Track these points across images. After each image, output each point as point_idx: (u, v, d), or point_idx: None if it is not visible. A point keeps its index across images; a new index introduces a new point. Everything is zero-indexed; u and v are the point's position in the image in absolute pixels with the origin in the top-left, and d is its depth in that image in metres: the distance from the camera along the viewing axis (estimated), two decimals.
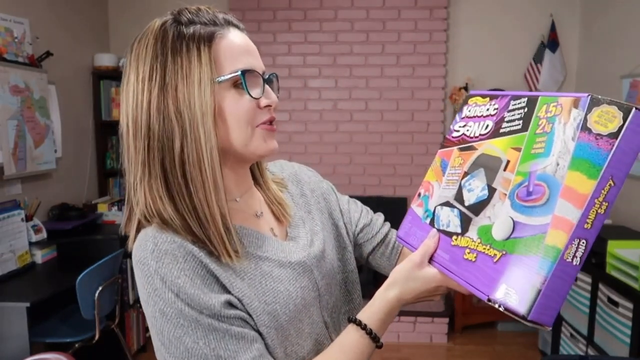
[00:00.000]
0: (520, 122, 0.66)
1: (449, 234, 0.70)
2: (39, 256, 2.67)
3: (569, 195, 0.55)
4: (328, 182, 0.98)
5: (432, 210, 0.76)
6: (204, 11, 0.71)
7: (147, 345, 3.26)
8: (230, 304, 0.68)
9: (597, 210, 0.54)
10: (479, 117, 0.75)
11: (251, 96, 0.70)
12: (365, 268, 1.01)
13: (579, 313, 2.59)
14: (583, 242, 0.55)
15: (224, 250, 0.69)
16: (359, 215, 0.96)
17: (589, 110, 0.56)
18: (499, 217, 0.62)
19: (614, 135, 0.54)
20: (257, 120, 0.72)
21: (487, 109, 0.74)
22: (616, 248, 2.33)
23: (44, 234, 2.73)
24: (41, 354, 1.68)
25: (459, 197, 0.71)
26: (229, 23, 0.72)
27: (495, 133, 0.70)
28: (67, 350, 2.31)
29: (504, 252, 0.60)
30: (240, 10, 3.62)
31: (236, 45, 0.71)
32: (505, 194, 0.63)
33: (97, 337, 2.46)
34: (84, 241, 2.87)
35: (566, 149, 0.57)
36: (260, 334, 0.70)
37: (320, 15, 3.64)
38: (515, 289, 0.57)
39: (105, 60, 3.56)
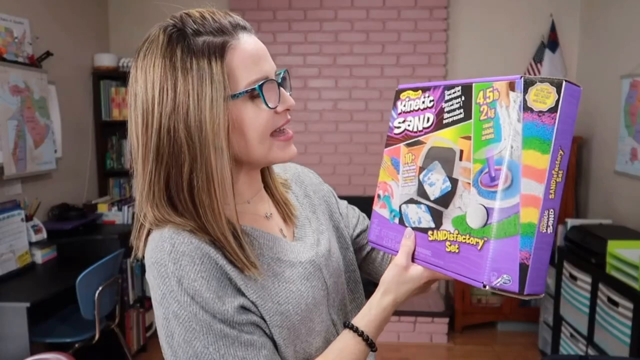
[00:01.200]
0: (461, 110, 0.68)
1: (424, 230, 0.72)
2: (39, 256, 2.67)
3: (529, 173, 0.60)
4: (328, 185, 0.99)
5: (397, 209, 0.77)
6: (209, 19, 0.68)
7: (147, 345, 3.26)
8: (243, 309, 0.68)
9: (556, 180, 0.61)
10: (416, 110, 0.76)
11: (269, 107, 0.69)
12: None
13: (579, 313, 2.59)
14: (552, 212, 0.61)
15: (236, 257, 0.68)
16: (357, 220, 0.98)
17: (525, 91, 0.61)
18: (470, 205, 0.65)
19: (553, 110, 0.60)
20: (275, 125, 0.71)
21: (423, 102, 0.75)
22: (616, 248, 2.33)
23: (44, 234, 2.73)
24: (41, 354, 1.68)
25: (422, 192, 0.73)
26: (237, 27, 0.69)
27: (438, 125, 0.71)
28: (67, 350, 2.31)
29: (485, 239, 0.62)
30: (240, 10, 3.62)
31: (248, 55, 0.68)
32: (469, 183, 0.65)
33: (97, 337, 2.46)
34: (84, 241, 2.87)
35: (515, 131, 0.61)
36: (272, 334, 0.71)
37: (320, 15, 3.64)
38: (505, 271, 0.61)
39: (105, 60, 3.56)
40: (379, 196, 0.81)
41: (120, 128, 3.74)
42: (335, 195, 0.97)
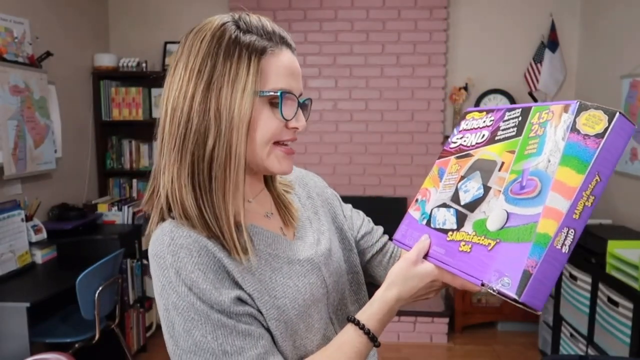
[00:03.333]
0: (515, 129, 0.71)
1: (445, 231, 0.73)
2: (39, 256, 2.67)
3: (559, 188, 0.60)
4: (332, 189, 1.01)
5: (428, 212, 0.79)
6: (263, 22, 0.74)
7: (147, 345, 3.26)
8: (240, 300, 0.70)
9: (584, 203, 0.59)
10: (475, 129, 0.80)
11: (283, 117, 0.73)
12: None
13: (579, 313, 2.59)
14: (572, 232, 0.59)
15: (234, 247, 0.71)
16: (361, 222, 0.99)
17: (577, 114, 0.62)
18: (494, 210, 0.67)
19: (600, 136, 0.60)
20: (280, 137, 0.74)
21: (484, 121, 0.79)
22: (616, 248, 2.33)
23: (44, 234, 2.73)
24: (41, 354, 1.68)
25: (455, 198, 0.75)
26: (284, 42, 0.75)
27: (490, 140, 0.75)
28: (67, 350, 2.31)
29: (497, 241, 0.64)
30: (240, 10, 3.62)
31: (283, 65, 0.73)
32: (500, 190, 0.68)
33: (97, 337, 2.46)
34: (84, 241, 2.87)
35: (557, 147, 0.62)
36: (269, 327, 0.72)
37: (320, 15, 3.64)
38: (507, 274, 0.60)
39: (105, 60, 3.56)
40: (416, 200, 0.84)
41: (120, 128, 3.74)
42: (339, 199, 0.99)
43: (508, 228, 0.63)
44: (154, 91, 3.63)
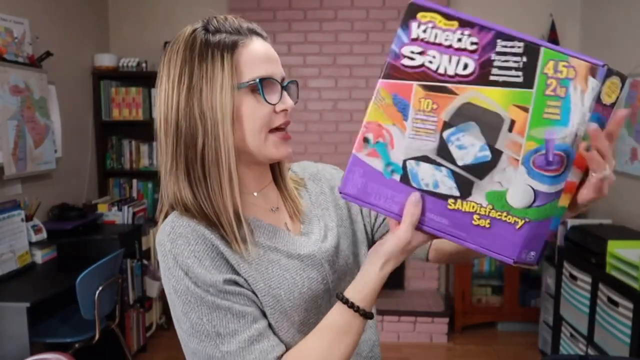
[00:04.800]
0: (519, 73, 0.60)
1: (441, 197, 0.64)
2: (39, 256, 2.67)
3: (579, 162, 0.59)
4: None
5: (399, 164, 0.65)
6: (230, 20, 0.77)
7: (147, 346, 3.26)
8: (234, 282, 0.73)
9: None
10: (446, 47, 0.62)
11: (267, 102, 0.75)
12: None
13: (579, 313, 2.59)
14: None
15: (234, 237, 0.74)
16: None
17: (603, 81, 0.56)
18: (515, 184, 0.61)
19: (613, 105, 0.59)
20: (273, 124, 0.77)
21: (459, 39, 0.62)
22: (616, 248, 2.33)
23: (44, 234, 2.73)
24: (41, 354, 1.68)
25: (445, 153, 0.63)
26: (253, 32, 0.78)
27: (482, 79, 0.61)
28: (67, 350, 2.31)
29: (526, 220, 0.60)
30: (240, 10, 3.62)
31: (256, 54, 0.76)
32: (517, 160, 0.60)
33: (97, 337, 2.46)
34: (84, 241, 2.87)
35: (584, 120, 0.57)
36: (264, 313, 0.75)
37: (320, 15, 3.64)
38: (534, 248, 0.62)
39: (105, 60, 3.56)
40: (366, 140, 0.66)
41: (120, 128, 3.74)
42: None
43: (536, 207, 0.60)
44: (154, 91, 3.59)
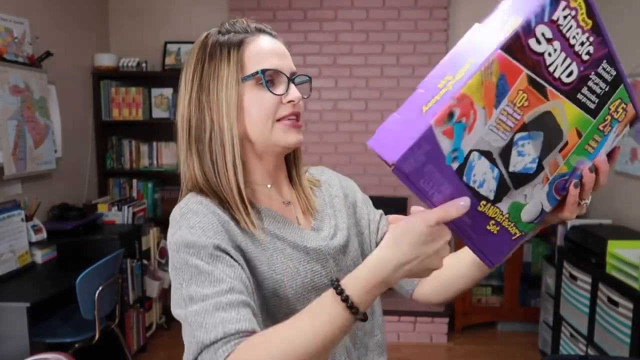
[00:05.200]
0: (597, 100, 0.59)
1: (478, 197, 0.58)
2: (39, 256, 2.67)
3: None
4: (366, 195, 1.02)
5: (464, 151, 0.55)
6: (240, 22, 0.83)
7: (147, 346, 3.26)
8: (226, 252, 0.72)
9: None
10: (570, 45, 0.55)
11: (272, 93, 0.79)
12: None
13: (579, 313, 2.59)
14: None
15: (242, 217, 0.78)
16: (387, 229, 0.98)
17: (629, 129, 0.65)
18: (534, 200, 0.61)
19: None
20: (279, 114, 0.80)
21: (582, 44, 0.56)
22: (616, 248, 2.33)
23: (44, 234, 2.73)
24: (41, 354, 1.68)
25: (505, 155, 0.57)
26: (260, 31, 0.83)
27: (573, 93, 0.57)
28: (67, 350, 2.30)
29: (523, 233, 0.63)
30: (240, 10, 3.63)
31: (262, 49, 0.81)
32: (548, 179, 0.61)
33: (97, 337, 2.46)
34: (84, 241, 2.86)
35: (602, 158, 0.64)
36: (263, 296, 0.76)
37: (320, 15, 3.64)
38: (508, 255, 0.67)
39: (105, 60, 3.56)
40: (450, 115, 0.52)
41: (120, 128, 3.74)
42: (369, 204, 1.00)
43: (534, 224, 0.64)
44: (154, 91, 3.63)
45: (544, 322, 3.15)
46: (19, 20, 2.76)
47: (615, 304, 2.25)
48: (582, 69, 0.57)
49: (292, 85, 0.81)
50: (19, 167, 2.71)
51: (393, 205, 3.62)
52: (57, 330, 2.47)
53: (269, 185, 0.86)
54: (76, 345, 2.44)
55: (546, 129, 0.58)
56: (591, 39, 0.56)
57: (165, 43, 3.70)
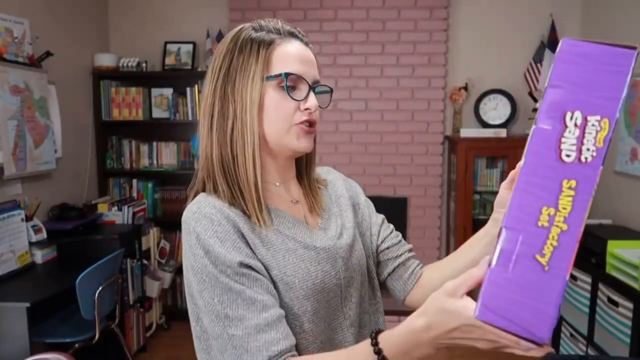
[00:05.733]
0: None
1: None
2: (39, 256, 2.67)
3: None
4: (369, 199, 1.03)
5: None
6: (274, 22, 0.85)
7: (147, 346, 3.26)
8: (251, 267, 0.74)
9: None
10: None
11: (292, 97, 0.81)
12: None
13: (579, 313, 2.59)
14: None
15: (254, 212, 0.79)
16: (389, 233, 1.00)
17: None
18: None
19: None
20: (296, 119, 0.82)
21: None
22: (616, 248, 2.33)
23: (44, 234, 2.73)
24: (41, 354, 1.68)
25: None
26: (292, 34, 0.84)
27: None
28: (67, 350, 2.31)
29: None
30: (240, 10, 3.62)
31: (290, 53, 0.82)
32: None
33: (97, 337, 2.46)
34: (84, 241, 2.87)
35: None
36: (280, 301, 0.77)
37: (320, 15, 3.64)
38: None
39: (105, 60, 3.56)
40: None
41: (120, 128, 3.74)
42: (371, 207, 1.01)
43: None
44: (154, 91, 3.63)
45: None
46: (19, 20, 2.76)
47: (615, 304, 2.24)
48: None
49: (312, 94, 0.83)
50: (19, 167, 2.71)
51: (393, 205, 3.62)
52: (57, 330, 2.47)
53: (277, 184, 0.87)
54: (76, 345, 2.44)
55: None
56: None
57: (165, 43, 3.70)
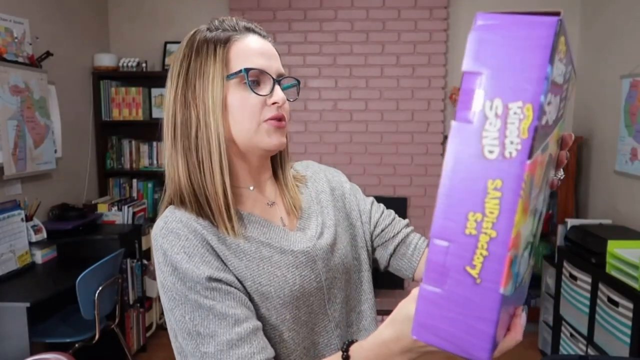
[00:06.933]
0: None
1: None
2: (39, 256, 2.67)
3: None
4: (354, 184, 0.99)
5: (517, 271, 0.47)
6: (229, 20, 0.81)
7: (147, 345, 3.26)
8: (220, 280, 0.71)
9: None
10: (558, 86, 0.46)
11: (256, 93, 0.77)
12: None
13: (579, 313, 2.59)
14: None
15: (222, 222, 0.75)
16: (379, 215, 0.96)
17: None
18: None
19: None
20: (264, 116, 0.78)
21: (565, 72, 0.48)
22: (616, 248, 2.33)
23: (44, 234, 2.73)
24: (41, 354, 1.68)
25: (535, 233, 0.52)
26: (249, 30, 0.81)
27: (558, 119, 0.49)
28: (67, 350, 2.31)
29: None
30: (240, 10, 3.62)
31: (249, 48, 0.78)
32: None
33: (97, 337, 2.46)
34: (84, 241, 2.87)
35: None
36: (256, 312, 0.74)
37: (320, 15, 3.64)
38: None
39: (105, 60, 3.56)
40: (512, 264, 0.44)
41: (120, 128, 3.74)
42: (358, 193, 0.98)
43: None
44: (154, 91, 3.63)
45: (544, 321, 3.15)
46: (19, 20, 2.76)
47: (615, 304, 2.25)
48: (562, 92, 0.49)
49: (277, 87, 0.79)
50: (19, 167, 2.71)
51: (393, 205, 3.60)
52: (57, 330, 2.47)
53: (251, 188, 0.83)
54: (76, 345, 2.44)
55: (547, 176, 0.52)
56: (566, 57, 0.48)
57: (165, 43, 3.70)
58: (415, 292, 0.52)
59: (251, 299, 0.74)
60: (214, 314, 0.69)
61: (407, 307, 0.55)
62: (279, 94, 0.79)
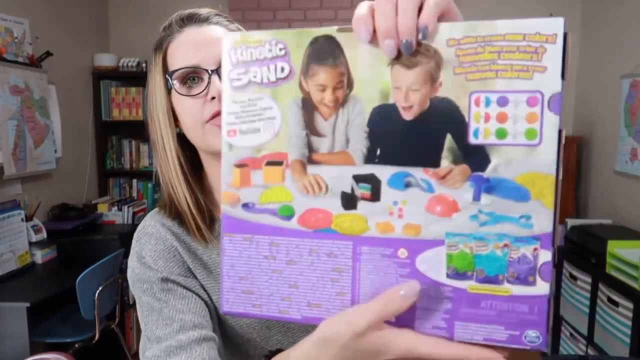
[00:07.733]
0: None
1: None
2: (39, 256, 2.67)
3: None
4: None
5: None
6: (176, 15, 0.76)
7: None
8: (175, 282, 0.70)
9: None
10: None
11: (187, 95, 0.70)
12: None
13: (579, 313, 2.59)
14: None
15: (194, 234, 0.73)
16: None
17: None
18: None
19: None
20: (204, 116, 0.69)
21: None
22: (616, 248, 2.33)
23: (44, 234, 2.73)
24: (41, 354, 1.68)
25: None
26: (183, 22, 0.74)
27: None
28: (67, 350, 2.30)
29: None
30: (240, 10, 3.62)
31: (180, 46, 0.72)
32: None
33: (97, 337, 2.46)
34: (84, 241, 2.87)
35: None
36: (220, 324, 0.73)
37: (320, 16, 3.64)
38: None
39: (105, 60, 3.56)
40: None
41: (120, 128, 3.74)
42: None
43: None
44: None
45: None
46: (19, 20, 2.76)
47: (615, 304, 2.25)
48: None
49: (213, 79, 0.68)
50: (19, 167, 2.71)
51: None
52: (57, 330, 2.47)
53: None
54: (76, 345, 2.44)
55: None
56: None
57: None
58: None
59: (219, 315, 0.72)
60: (163, 318, 0.67)
61: (324, 332, 0.45)
62: (215, 85, 0.67)
